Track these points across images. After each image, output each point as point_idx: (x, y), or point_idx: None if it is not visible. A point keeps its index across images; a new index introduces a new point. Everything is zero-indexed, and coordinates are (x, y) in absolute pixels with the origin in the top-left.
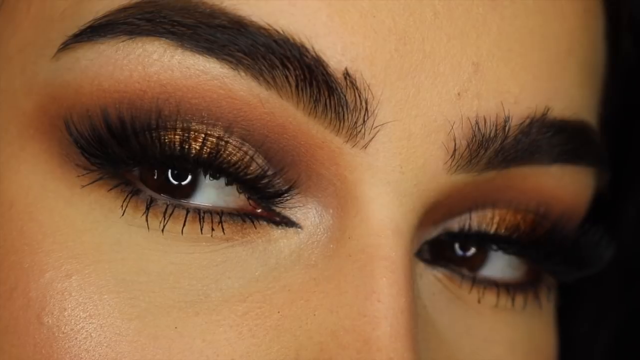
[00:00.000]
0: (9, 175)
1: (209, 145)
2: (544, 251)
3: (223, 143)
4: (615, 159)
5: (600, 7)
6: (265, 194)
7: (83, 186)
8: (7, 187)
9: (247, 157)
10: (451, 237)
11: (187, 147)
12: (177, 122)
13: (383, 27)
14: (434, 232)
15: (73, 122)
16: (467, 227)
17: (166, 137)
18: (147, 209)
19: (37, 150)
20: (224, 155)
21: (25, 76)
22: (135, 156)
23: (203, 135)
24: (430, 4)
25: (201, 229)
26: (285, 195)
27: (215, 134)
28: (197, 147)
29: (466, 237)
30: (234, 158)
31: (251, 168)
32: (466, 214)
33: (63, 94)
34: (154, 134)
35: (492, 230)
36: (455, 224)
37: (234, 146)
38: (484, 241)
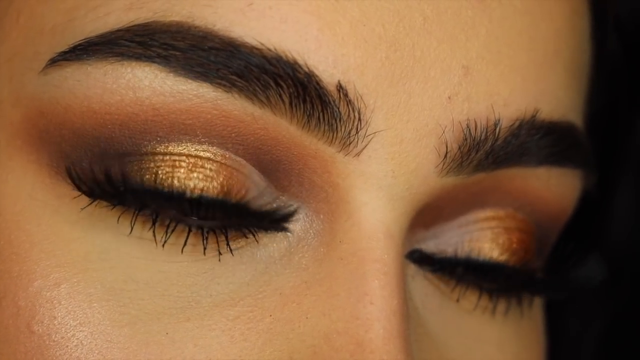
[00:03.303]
0: None
1: (200, 173)
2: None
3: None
4: (601, 157)
5: (587, 7)
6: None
7: (74, 197)
8: None
9: (242, 175)
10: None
11: (176, 181)
12: (170, 146)
13: (373, 36)
14: (429, 243)
15: (65, 142)
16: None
17: (159, 169)
18: (135, 219)
19: (25, 161)
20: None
21: (12, 86)
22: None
23: (193, 162)
24: (419, 9)
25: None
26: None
27: (207, 156)
28: (189, 179)
29: (455, 265)
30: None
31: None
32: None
33: (52, 111)
34: (145, 161)
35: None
36: (448, 248)
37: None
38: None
